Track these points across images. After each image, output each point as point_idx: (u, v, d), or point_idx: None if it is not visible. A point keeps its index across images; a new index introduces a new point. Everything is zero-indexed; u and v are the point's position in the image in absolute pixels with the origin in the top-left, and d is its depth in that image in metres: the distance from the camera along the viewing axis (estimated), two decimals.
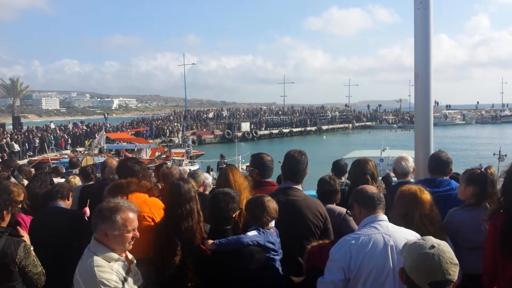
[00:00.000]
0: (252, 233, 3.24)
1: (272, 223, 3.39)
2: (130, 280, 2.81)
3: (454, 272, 2.09)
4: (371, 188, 3.00)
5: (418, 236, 2.84)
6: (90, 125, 48.86)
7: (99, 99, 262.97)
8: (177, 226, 3.49)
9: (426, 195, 3.21)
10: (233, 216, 3.38)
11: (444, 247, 2.13)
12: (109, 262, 2.72)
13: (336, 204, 4.32)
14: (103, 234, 2.76)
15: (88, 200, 4.56)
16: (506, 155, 17.42)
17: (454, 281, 2.10)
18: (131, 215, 2.82)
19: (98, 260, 2.69)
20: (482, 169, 3.70)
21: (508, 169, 3.20)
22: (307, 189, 6.52)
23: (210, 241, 3.25)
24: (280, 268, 3.34)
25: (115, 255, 2.77)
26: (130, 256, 2.97)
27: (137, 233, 2.87)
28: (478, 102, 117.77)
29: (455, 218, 3.65)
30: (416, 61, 5.01)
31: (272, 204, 3.36)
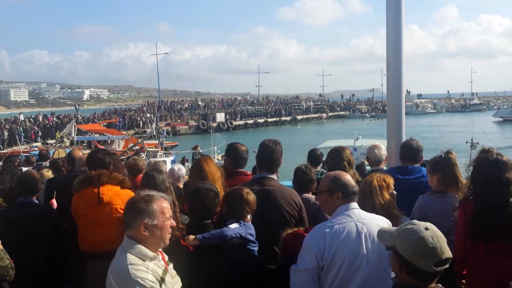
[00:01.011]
0: (234, 226, 3.23)
1: (249, 215, 3.39)
2: (168, 281, 2.53)
3: (449, 249, 2.14)
4: (352, 181, 3.00)
5: (389, 222, 2.90)
6: (60, 116, 47.75)
7: (69, 90, 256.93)
8: None
9: (375, 182, 3.32)
10: (217, 211, 3.38)
11: (434, 227, 2.18)
12: (144, 261, 2.45)
13: (312, 193, 4.34)
14: (142, 228, 2.47)
15: (55, 192, 4.46)
16: (478, 143, 17.83)
17: (451, 257, 2.15)
18: (166, 203, 2.58)
19: (131, 258, 2.43)
20: (443, 155, 3.78)
21: (476, 157, 3.27)
22: (283, 179, 6.55)
23: (192, 237, 3.20)
24: (259, 259, 3.36)
25: (150, 253, 2.49)
26: (167, 257, 2.73)
27: (174, 223, 2.64)
28: (448, 91, 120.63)
29: (424, 204, 3.72)
30: (388, 51, 5.07)
31: (251, 197, 3.35)
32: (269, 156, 3.83)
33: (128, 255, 2.44)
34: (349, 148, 4.91)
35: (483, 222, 3.07)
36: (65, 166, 6.47)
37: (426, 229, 2.14)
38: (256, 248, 3.35)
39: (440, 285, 2.18)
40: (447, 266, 2.13)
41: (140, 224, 2.47)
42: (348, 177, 3.00)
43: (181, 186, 4.89)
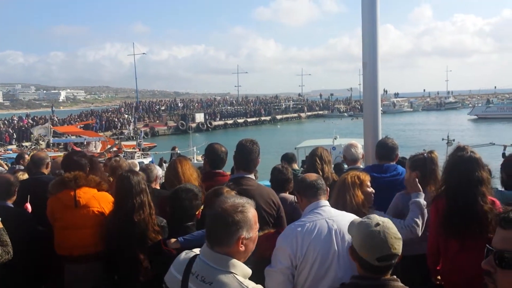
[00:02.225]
0: None
1: None
2: None
3: (399, 246, 2.22)
4: (310, 176, 3.05)
5: (359, 218, 2.94)
6: (36, 118, 46.82)
7: (45, 91, 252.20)
8: (129, 219, 3.43)
9: (348, 179, 3.37)
10: (197, 213, 3.33)
11: (388, 224, 2.25)
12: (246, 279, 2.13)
13: (289, 193, 4.36)
14: (240, 243, 2.09)
15: (29, 196, 4.37)
16: (454, 140, 18.21)
17: (399, 254, 2.23)
18: (254, 210, 2.23)
19: (246, 281, 2.06)
20: (425, 154, 3.84)
21: (450, 155, 3.34)
22: (263, 179, 6.61)
23: (173, 240, 3.17)
24: None
25: (249, 270, 2.14)
26: None
27: None
28: (424, 90, 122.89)
29: (400, 201, 3.78)
30: (364, 51, 5.11)
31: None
32: (246, 156, 3.83)
33: (239, 277, 2.05)
34: (327, 148, 5.00)
35: (454, 219, 3.14)
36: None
37: (377, 224, 2.22)
38: None
39: (395, 277, 2.25)
40: (393, 262, 2.21)
41: (238, 239, 2.09)
42: (309, 176, 3.06)
43: (157, 187, 4.86)
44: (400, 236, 2.25)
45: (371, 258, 2.18)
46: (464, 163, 3.18)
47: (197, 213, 3.32)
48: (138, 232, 3.40)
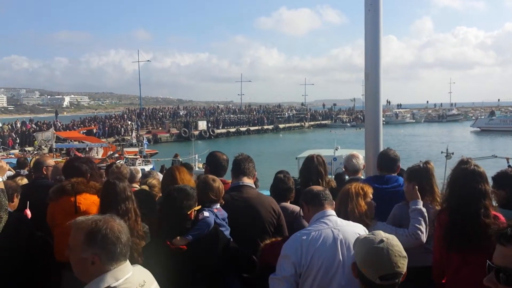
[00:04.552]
0: (207, 213, 3.20)
1: (217, 205, 3.41)
2: None
3: (403, 265, 2.16)
4: (316, 187, 3.13)
5: (365, 229, 2.93)
6: (39, 123, 46.95)
7: (49, 97, 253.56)
8: None
9: (352, 189, 3.38)
10: (189, 213, 3.29)
11: (393, 241, 2.20)
12: None
13: (290, 202, 4.36)
14: None
15: (28, 202, 4.37)
16: (453, 153, 18.16)
17: (403, 273, 2.17)
18: None
19: None
20: (421, 165, 3.84)
21: (454, 168, 3.32)
22: (264, 189, 6.61)
23: (179, 238, 3.12)
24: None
25: None
26: None
27: None
28: (427, 102, 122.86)
29: (398, 212, 3.77)
30: (366, 62, 5.11)
31: (215, 185, 3.38)
32: (244, 162, 3.92)
33: None
34: (328, 158, 5.01)
35: (455, 232, 3.11)
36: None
37: (381, 241, 2.18)
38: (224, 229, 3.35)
39: None
40: (397, 281, 2.16)
41: None
42: (312, 187, 3.15)
43: (137, 186, 4.90)
44: (405, 254, 2.20)
45: (373, 276, 2.14)
46: (467, 176, 3.16)
47: (189, 213, 3.28)
48: None
